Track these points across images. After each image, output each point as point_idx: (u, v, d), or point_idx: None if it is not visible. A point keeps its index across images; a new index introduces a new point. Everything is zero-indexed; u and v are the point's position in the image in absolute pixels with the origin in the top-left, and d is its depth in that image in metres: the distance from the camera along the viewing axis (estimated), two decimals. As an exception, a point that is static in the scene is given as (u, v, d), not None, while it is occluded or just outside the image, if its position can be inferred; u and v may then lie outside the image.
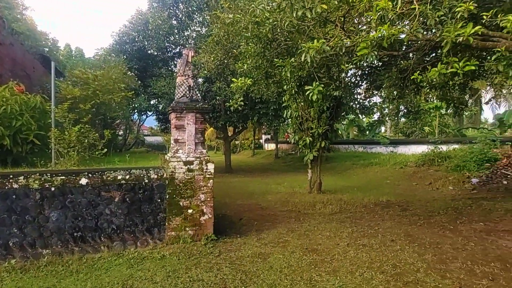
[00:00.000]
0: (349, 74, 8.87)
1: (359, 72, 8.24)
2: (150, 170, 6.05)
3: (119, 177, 5.84)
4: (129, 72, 16.35)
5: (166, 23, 15.57)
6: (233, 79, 5.46)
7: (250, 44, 4.89)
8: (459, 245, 5.65)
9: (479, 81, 19.49)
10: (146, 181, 6.02)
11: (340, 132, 29.22)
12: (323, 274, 4.68)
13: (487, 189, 10.25)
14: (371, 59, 3.82)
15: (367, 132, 27.16)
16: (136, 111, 19.15)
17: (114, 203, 5.82)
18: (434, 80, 7.81)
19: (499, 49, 3.82)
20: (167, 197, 6.09)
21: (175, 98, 6.53)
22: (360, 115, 21.54)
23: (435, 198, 9.74)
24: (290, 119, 11.74)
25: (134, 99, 16.61)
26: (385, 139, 20.48)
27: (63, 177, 5.55)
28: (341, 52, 4.13)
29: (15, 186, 5.30)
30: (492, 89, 27.87)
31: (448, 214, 7.74)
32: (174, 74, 18.81)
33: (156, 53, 19.54)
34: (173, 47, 19.70)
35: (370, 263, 4.98)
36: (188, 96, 6.47)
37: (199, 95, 6.56)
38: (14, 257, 5.28)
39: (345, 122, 28.85)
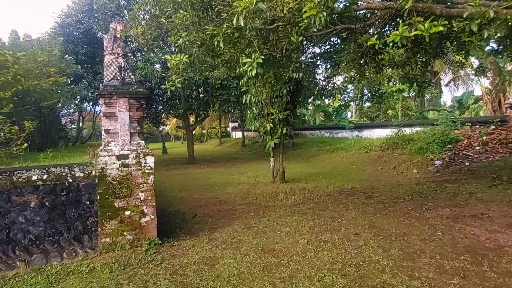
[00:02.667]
0: (308, 54, 8.17)
1: (318, 51, 7.55)
2: (74, 168, 5.08)
3: (34, 178, 4.84)
4: (68, 56, 14.79)
5: (112, 1, 14.13)
6: (167, 56, 4.56)
7: (181, 11, 4.01)
8: (427, 235, 5.18)
9: (439, 62, 19.63)
10: (70, 180, 5.05)
11: (306, 118, 28.88)
12: (277, 282, 4.01)
13: (450, 171, 10.06)
14: (319, 23, 3.10)
15: (333, 117, 26.95)
16: (77, 99, 17.43)
17: (30, 209, 4.83)
18: (396, 57, 7.32)
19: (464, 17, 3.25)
20: (98, 198, 5.16)
21: (104, 81, 5.54)
22: (320, 98, 21.12)
23: (400, 183, 9.40)
24: (249, 105, 10.95)
25: (72, 86, 15.09)
26: (350, 124, 20.28)
27: (-41, 181, 4.48)
28: (282, 13, 3.40)
29: None
30: (451, 72, 28.50)
31: (413, 200, 7.35)
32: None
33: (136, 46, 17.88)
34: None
35: (331, 264, 4.37)
36: (119, 78, 5.51)
37: (132, 77, 5.61)
38: None
39: (311, 108, 28.54)
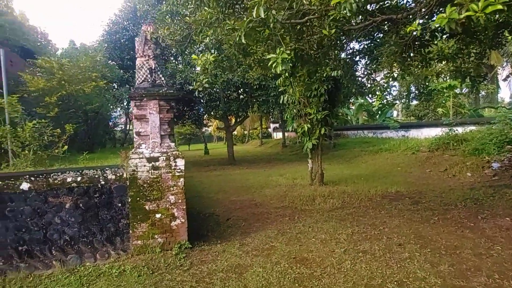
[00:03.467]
0: (348, 51, 7.71)
1: (358, 47, 7.08)
2: (106, 170, 5.11)
3: (69, 180, 4.93)
4: (113, 62, 15.39)
5: (154, 7, 14.50)
6: (193, 57, 4.42)
7: (205, 8, 3.82)
8: (483, 249, 4.57)
9: (495, 54, 17.90)
10: (103, 182, 5.09)
11: (348, 118, 27.88)
12: (308, 296, 3.69)
13: (510, 174, 9.03)
14: (350, 10, 2.72)
15: (377, 117, 25.73)
16: (123, 102, 18.17)
17: (65, 210, 4.92)
18: (445, 49, 6.62)
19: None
20: (129, 200, 5.16)
21: (136, 83, 5.55)
22: (360, 97, 20.19)
23: (452, 187, 8.58)
24: (287, 105, 10.64)
25: (114, 90, 15.68)
26: (395, 123, 19.18)
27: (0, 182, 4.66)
28: (309, 5, 3.07)
29: None
30: (509, 65, 26.02)
31: (467, 207, 6.63)
32: (167, 62, 17.85)
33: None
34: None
35: (370, 279, 3.97)
36: (149, 80, 5.48)
37: (163, 78, 5.55)
38: None
39: (353, 107, 27.51)
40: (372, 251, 4.79)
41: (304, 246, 5.22)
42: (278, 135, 34.89)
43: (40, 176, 4.82)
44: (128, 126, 24.21)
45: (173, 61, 18.34)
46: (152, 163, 5.28)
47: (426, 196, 7.86)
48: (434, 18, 5.21)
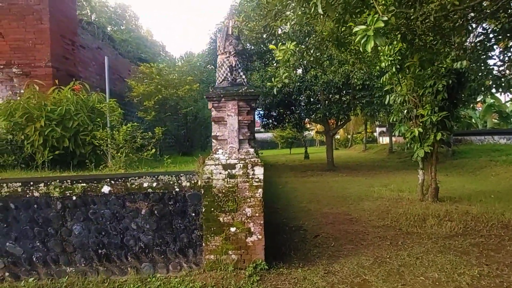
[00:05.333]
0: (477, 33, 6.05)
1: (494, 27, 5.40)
2: (181, 176, 4.79)
3: (145, 185, 4.76)
4: (209, 66, 15.81)
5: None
6: (270, 46, 3.72)
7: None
8: None
9: None
10: (177, 189, 4.79)
11: (473, 121, 23.73)
12: None
13: None
14: None
15: (512, 119, 21.23)
16: None
17: (141, 216, 4.77)
18: None
19: None
20: (203, 210, 4.75)
21: (216, 83, 5.14)
22: (491, 96, 16.68)
23: None
24: (393, 106, 9.17)
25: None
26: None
27: (84, 184, 4.74)
28: None
29: (36, 194, 4.70)
30: None
31: None
32: (267, 66, 17.70)
33: (251, 47, 18.71)
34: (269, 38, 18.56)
35: None
36: (229, 79, 4.99)
37: (244, 77, 5.01)
38: (38, 274, 4.70)
39: (479, 108, 23.28)
40: (513, 310, 3.37)
41: (408, 287, 4.04)
42: (385, 140, 32.08)
43: (119, 180, 4.76)
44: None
45: (275, 64, 18.18)
46: (228, 170, 4.78)
47: None
48: None
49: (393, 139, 25.74)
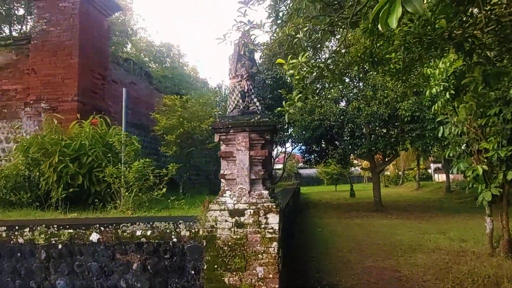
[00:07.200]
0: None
1: None
2: (180, 224, 3.95)
3: (138, 233, 3.97)
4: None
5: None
6: (278, 61, 2.89)
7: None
8: None
9: None
10: (175, 240, 3.94)
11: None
12: None
13: None
14: None
15: None
16: None
17: (132, 271, 3.95)
18: None
19: None
20: (205, 267, 3.82)
21: (227, 112, 4.37)
22: None
23: None
24: (448, 139, 7.76)
25: None
26: None
27: (71, 231, 4.07)
28: None
29: (21, 240, 4.12)
30: None
31: None
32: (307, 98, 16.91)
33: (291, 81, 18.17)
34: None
35: None
36: (241, 106, 4.20)
37: (258, 104, 4.19)
38: (16, 336, 4.01)
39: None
40: None
41: None
42: (441, 177, 29.20)
43: (110, 226, 4.04)
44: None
45: (314, 96, 17.39)
46: (236, 217, 3.86)
47: None
48: None
49: (451, 176, 23.19)
